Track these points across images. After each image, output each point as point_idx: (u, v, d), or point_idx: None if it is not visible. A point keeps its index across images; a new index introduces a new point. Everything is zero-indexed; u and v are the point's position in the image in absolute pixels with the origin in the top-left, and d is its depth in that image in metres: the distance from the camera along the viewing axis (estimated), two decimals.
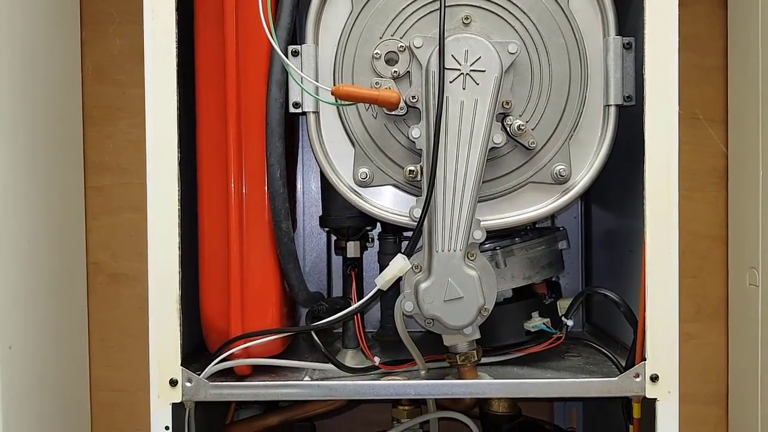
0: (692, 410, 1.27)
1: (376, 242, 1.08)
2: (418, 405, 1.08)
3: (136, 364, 1.28)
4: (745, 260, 1.19)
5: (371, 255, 1.10)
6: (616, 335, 1.04)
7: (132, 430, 1.30)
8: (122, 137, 1.28)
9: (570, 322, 0.95)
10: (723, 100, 1.26)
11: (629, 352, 0.89)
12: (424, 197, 0.85)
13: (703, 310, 1.28)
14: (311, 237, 1.25)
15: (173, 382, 0.86)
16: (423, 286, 0.85)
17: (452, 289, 0.84)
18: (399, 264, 0.85)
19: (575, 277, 1.23)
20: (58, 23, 1.19)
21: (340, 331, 1.03)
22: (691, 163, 1.26)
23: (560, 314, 0.98)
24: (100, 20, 1.27)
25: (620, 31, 0.90)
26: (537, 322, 0.96)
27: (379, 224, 1.07)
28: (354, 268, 1.00)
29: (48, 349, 1.11)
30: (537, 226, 1.09)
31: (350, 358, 0.98)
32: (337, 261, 1.23)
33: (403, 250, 0.87)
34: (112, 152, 1.28)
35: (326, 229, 1.08)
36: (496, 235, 0.96)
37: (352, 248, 1.00)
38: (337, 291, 1.23)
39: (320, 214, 1.04)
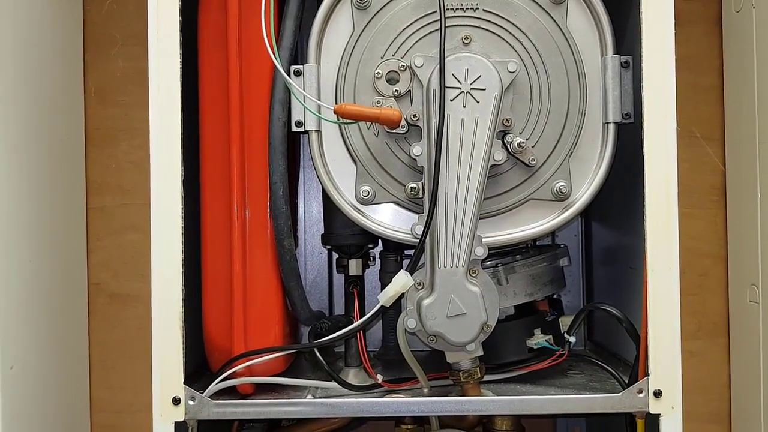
0: (695, 428, 1.26)
1: (378, 261, 1.08)
2: (421, 424, 1.07)
3: (137, 385, 1.28)
4: (745, 277, 1.19)
5: (373, 275, 1.11)
6: (619, 353, 1.04)
7: None
8: (124, 158, 1.29)
9: (572, 339, 0.95)
10: (720, 118, 1.28)
11: (632, 368, 0.89)
12: (425, 214, 0.85)
13: (704, 328, 1.28)
14: (312, 256, 1.25)
15: (176, 401, 0.86)
16: (426, 302, 0.85)
17: (455, 305, 0.85)
18: (402, 280, 0.85)
19: (576, 295, 1.23)
20: (61, 45, 1.20)
21: (342, 350, 1.03)
22: (689, 181, 1.27)
23: (563, 331, 0.98)
24: (103, 42, 1.29)
25: (618, 50, 0.92)
26: (539, 339, 0.96)
27: (380, 243, 1.08)
28: (356, 285, 1.00)
29: (49, 370, 1.11)
30: (538, 244, 1.09)
31: (353, 377, 0.98)
32: (338, 281, 1.24)
33: (404, 269, 0.87)
34: (114, 173, 1.29)
35: (328, 246, 1.08)
36: (497, 252, 0.96)
37: (353, 266, 1.00)
38: (339, 310, 1.23)
39: (321, 234, 1.04)
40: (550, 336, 0.96)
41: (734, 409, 1.26)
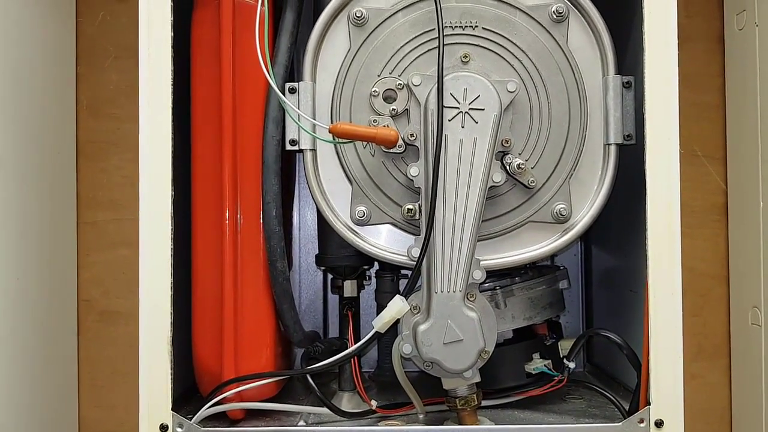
0: None
1: (374, 280, 1.06)
2: None
3: (127, 404, 1.25)
4: (747, 299, 1.17)
5: (368, 293, 1.08)
6: (618, 376, 1.02)
7: None
8: (116, 172, 1.27)
9: (572, 365, 0.93)
10: (721, 137, 1.26)
11: (633, 396, 0.87)
12: (422, 236, 0.83)
13: (705, 350, 1.26)
14: (307, 274, 1.23)
15: (164, 428, 0.84)
16: (422, 328, 0.83)
17: (452, 331, 0.82)
18: (397, 306, 0.83)
19: (576, 317, 1.21)
20: (54, 57, 1.18)
21: (337, 371, 1.00)
22: (690, 200, 1.25)
23: (562, 355, 0.96)
24: (96, 55, 1.27)
25: (619, 70, 0.90)
26: (538, 364, 0.93)
27: (376, 262, 1.05)
28: (351, 307, 0.98)
29: (36, 388, 1.08)
30: (537, 265, 1.07)
31: (346, 402, 0.96)
32: (333, 300, 1.21)
33: (401, 289, 0.85)
34: (106, 187, 1.27)
35: (323, 268, 1.06)
36: (495, 274, 0.94)
37: (349, 287, 0.98)
38: (333, 329, 1.20)
39: (317, 252, 1.02)
40: (549, 361, 0.94)
41: None
